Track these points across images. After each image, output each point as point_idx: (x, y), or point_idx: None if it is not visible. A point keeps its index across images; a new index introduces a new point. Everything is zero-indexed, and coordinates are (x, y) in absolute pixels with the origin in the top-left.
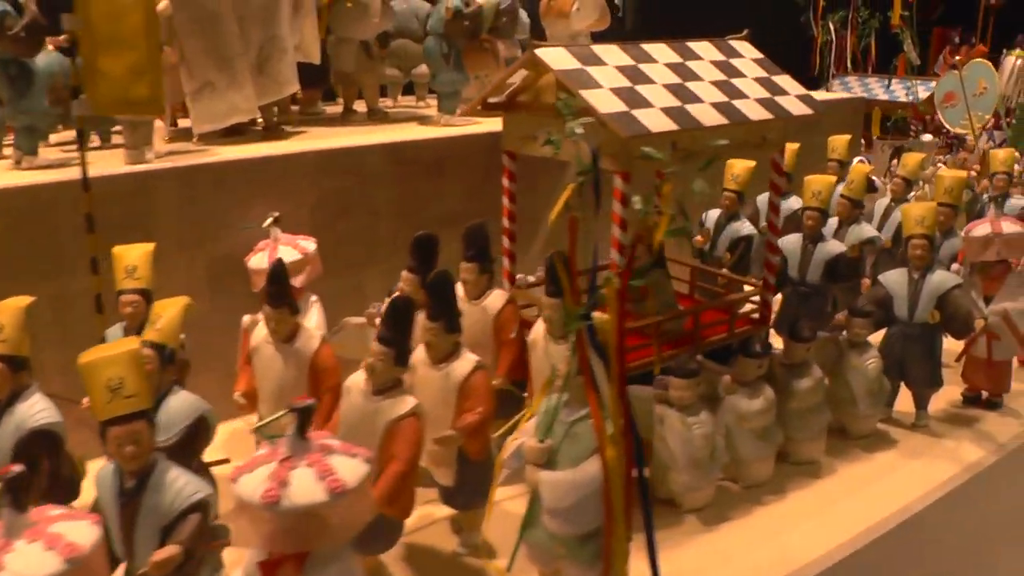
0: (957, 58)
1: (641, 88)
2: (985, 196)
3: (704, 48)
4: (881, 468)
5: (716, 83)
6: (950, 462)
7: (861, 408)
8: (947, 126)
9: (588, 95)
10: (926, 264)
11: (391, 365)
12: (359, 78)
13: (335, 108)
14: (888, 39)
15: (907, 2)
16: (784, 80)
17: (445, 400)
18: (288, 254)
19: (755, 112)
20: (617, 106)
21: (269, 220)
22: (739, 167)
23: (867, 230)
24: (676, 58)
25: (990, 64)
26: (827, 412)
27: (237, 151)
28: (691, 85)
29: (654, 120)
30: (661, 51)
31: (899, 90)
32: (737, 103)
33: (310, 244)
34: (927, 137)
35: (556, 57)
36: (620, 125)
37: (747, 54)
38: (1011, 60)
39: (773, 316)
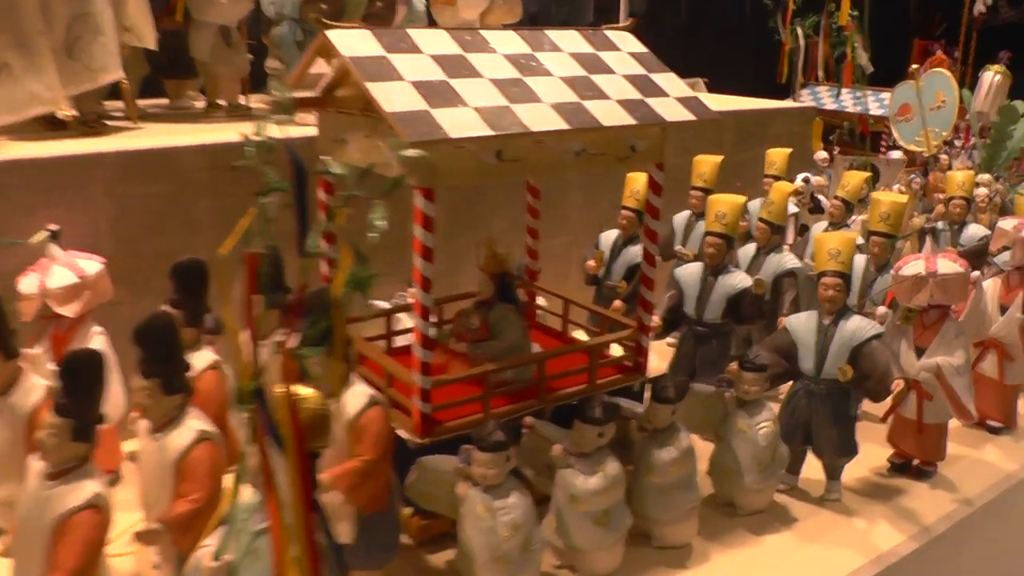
0: (914, 66)
1: (459, 82)
2: (939, 224)
3: (568, 38)
4: (766, 556)
5: (569, 79)
6: (857, 549)
7: (747, 481)
8: (900, 142)
9: (379, 88)
10: (838, 308)
11: (67, 440)
12: (214, 69)
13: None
14: (873, 46)
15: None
16: (665, 80)
17: (162, 479)
18: (61, 276)
19: (613, 116)
20: (414, 103)
21: (42, 235)
22: (640, 182)
23: (788, 260)
24: (524, 49)
25: (950, 75)
26: (696, 488)
27: (22, 150)
28: (532, 81)
29: (461, 122)
30: (506, 40)
31: (871, 102)
32: (591, 104)
33: (92, 264)
34: (896, 154)
35: (352, 41)
36: (408, 127)
37: (625, 48)
38: (989, 75)
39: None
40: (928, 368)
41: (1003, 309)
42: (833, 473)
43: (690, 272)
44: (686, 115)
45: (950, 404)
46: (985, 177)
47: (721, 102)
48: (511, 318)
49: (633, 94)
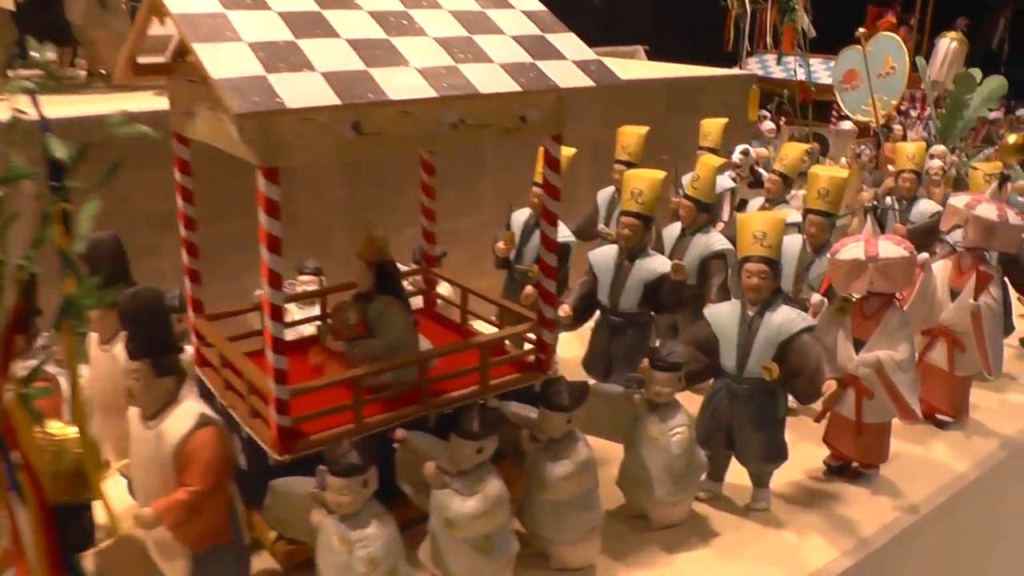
0: (861, 30)
1: (309, 43)
2: (888, 199)
3: None
4: None
5: (445, 41)
6: (783, 566)
7: (658, 493)
8: (845, 111)
9: (208, 51)
10: (764, 298)
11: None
12: (90, 33)
13: None
14: (825, 13)
15: None
16: (563, 41)
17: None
18: None
19: (493, 82)
20: (249, 68)
21: None
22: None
23: (716, 240)
24: (395, 6)
25: (899, 39)
26: (597, 507)
27: None
28: (400, 42)
29: (305, 90)
30: None
31: (821, 70)
32: (468, 68)
33: None
34: (847, 124)
35: None
36: (237, 96)
37: (519, 5)
38: (945, 43)
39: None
40: (867, 363)
41: (953, 294)
42: (760, 480)
43: (605, 255)
44: (584, 80)
45: (892, 403)
46: (939, 149)
47: (655, 69)
48: (392, 312)
49: (522, 57)
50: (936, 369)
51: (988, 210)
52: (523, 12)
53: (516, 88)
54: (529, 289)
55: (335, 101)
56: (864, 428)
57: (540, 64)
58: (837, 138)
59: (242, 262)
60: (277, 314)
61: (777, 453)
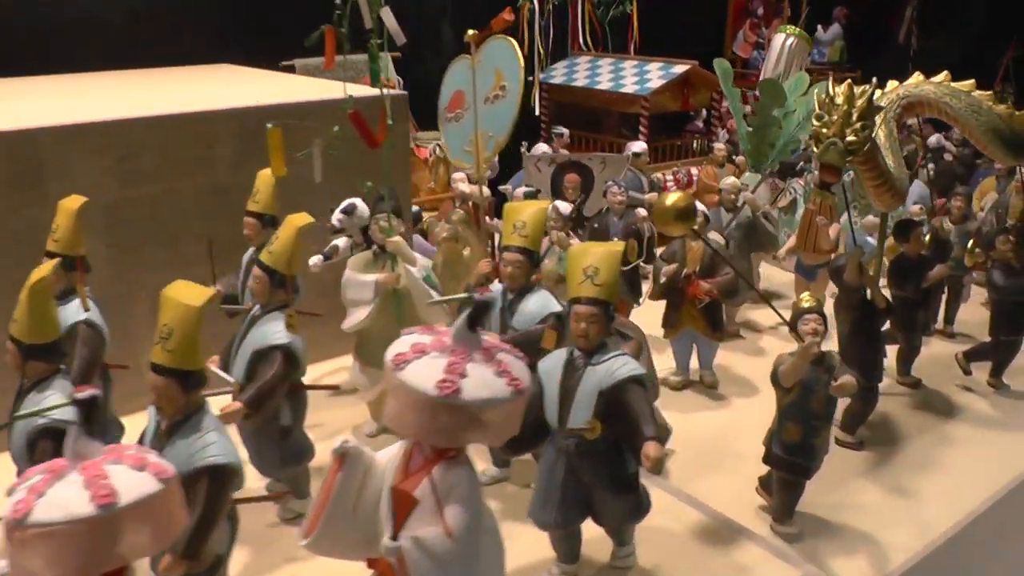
0: (470, 32)
1: None
2: (495, 288)
3: None
4: None
5: None
6: None
7: None
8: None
9: None
10: None
11: None
12: None
13: None
14: (651, 13)
15: None
16: None
17: None
18: None
19: None
20: None
21: None
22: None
23: None
24: None
25: (514, 44)
26: None
27: None
28: None
29: None
30: None
31: (629, 77)
32: None
33: None
34: (638, 147)
35: None
36: None
37: None
38: (780, 38)
39: None
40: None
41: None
42: None
43: None
44: None
45: None
46: (729, 181)
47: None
48: None
49: None
50: None
51: (422, 373)
52: None
53: None
54: None
55: None
56: None
57: None
58: (604, 167)
59: None
60: None
61: None
